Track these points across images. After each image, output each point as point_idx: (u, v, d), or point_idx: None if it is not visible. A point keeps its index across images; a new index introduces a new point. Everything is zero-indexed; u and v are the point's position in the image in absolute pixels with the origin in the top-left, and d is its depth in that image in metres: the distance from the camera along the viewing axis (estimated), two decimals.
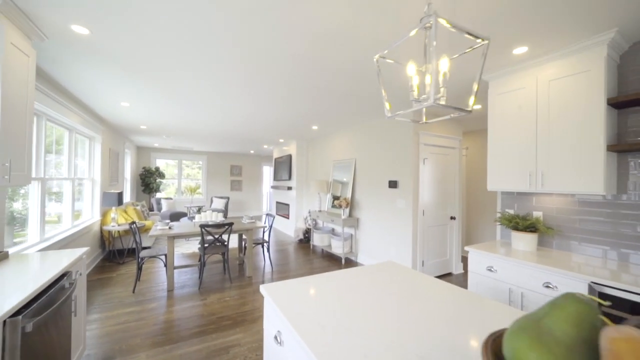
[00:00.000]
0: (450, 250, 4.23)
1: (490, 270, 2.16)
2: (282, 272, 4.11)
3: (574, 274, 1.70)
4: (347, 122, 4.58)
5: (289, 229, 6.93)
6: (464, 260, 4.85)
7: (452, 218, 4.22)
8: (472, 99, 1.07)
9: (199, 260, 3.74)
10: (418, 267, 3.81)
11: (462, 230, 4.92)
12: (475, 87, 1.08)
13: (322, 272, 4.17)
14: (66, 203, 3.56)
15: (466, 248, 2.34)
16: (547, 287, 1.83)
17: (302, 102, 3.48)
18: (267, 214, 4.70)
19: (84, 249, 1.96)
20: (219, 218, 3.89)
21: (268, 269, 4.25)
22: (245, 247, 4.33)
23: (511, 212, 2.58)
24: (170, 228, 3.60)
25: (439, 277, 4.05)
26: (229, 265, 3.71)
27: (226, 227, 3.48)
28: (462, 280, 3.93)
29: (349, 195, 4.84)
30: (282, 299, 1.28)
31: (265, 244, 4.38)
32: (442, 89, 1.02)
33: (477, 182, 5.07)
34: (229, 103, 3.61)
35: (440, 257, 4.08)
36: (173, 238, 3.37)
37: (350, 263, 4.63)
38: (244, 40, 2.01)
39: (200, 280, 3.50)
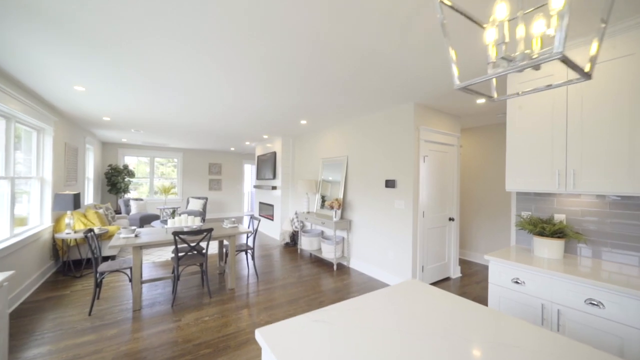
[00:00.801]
0: (449, 254, 4.00)
1: (517, 282, 1.89)
2: (269, 282, 3.68)
3: (629, 290, 1.44)
4: (339, 116, 4.22)
5: (274, 231, 6.48)
6: (462, 263, 4.66)
7: (451, 219, 3.99)
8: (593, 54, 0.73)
9: (173, 272, 3.23)
10: (418, 273, 3.53)
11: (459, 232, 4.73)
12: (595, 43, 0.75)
13: (313, 279, 3.83)
14: (1, 207, 2.91)
15: (486, 257, 2.06)
16: (591, 304, 1.57)
17: (291, 92, 3.07)
18: (251, 217, 4.24)
19: (6, 274, 1.44)
20: (195, 223, 3.39)
21: (252, 278, 3.80)
22: (226, 255, 3.85)
23: (528, 214, 2.34)
24: (136, 236, 3.06)
25: (438, 282, 3.81)
26: (207, 277, 3.23)
27: (204, 234, 3.01)
28: (460, 285, 3.71)
29: (340, 196, 4.49)
30: (287, 353, 0.89)
31: (249, 251, 3.93)
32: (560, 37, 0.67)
33: (471, 182, 4.91)
34: (206, 90, 3.12)
35: (439, 260, 3.84)
36: (140, 248, 2.84)
37: (342, 269, 4.29)
38: (228, 8, 1.58)
39: (174, 295, 2.99)
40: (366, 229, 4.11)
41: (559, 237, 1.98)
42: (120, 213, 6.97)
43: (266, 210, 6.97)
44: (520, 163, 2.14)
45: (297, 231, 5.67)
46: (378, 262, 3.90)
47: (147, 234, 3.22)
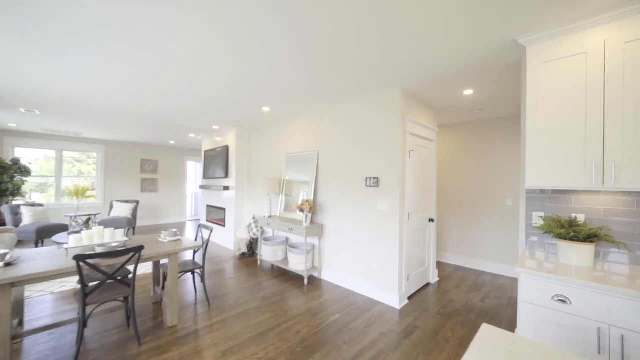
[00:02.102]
0: (428, 258, 3.71)
1: (561, 301, 1.53)
2: (225, 310, 2.85)
3: None
4: (311, 103, 3.60)
5: (226, 239, 5.51)
6: (439, 266, 4.46)
7: (431, 220, 3.71)
8: None
9: (78, 313, 2.19)
10: (404, 284, 3.12)
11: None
12: None
13: (282, 300, 3.09)
14: None
15: (517, 269, 1.67)
16: None
17: (254, 62, 2.35)
18: (199, 226, 3.32)
19: None
20: (116, 238, 2.39)
21: (203, 307, 2.92)
22: (164, 278, 2.89)
23: (540, 215, 2.06)
24: (7, 264, 1.94)
25: (420, 290, 3.47)
26: (134, 314, 2.28)
27: (129, 255, 2.07)
28: (443, 292, 3.42)
29: (310, 197, 3.86)
30: None
31: (198, 271, 3.03)
32: None
33: (445, 180, 4.78)
34: (136, 56, 2.19)
35: (420, 266, 3.51)
36: (10, 286, 1.77)
37: (313, 282, 3.66)
38: None
39: (78, 349, 1.98)
40: (342, 234, 3.57)
41: (590, 242, 1.70)
42: (4, 225, 5.14)
43: (216, 215, 5.94)
44: (545, 156, 1.82)
45: (256, 239, 4.85)
46: (357, 272, 3.38)
47: (33, 259, 2.11)
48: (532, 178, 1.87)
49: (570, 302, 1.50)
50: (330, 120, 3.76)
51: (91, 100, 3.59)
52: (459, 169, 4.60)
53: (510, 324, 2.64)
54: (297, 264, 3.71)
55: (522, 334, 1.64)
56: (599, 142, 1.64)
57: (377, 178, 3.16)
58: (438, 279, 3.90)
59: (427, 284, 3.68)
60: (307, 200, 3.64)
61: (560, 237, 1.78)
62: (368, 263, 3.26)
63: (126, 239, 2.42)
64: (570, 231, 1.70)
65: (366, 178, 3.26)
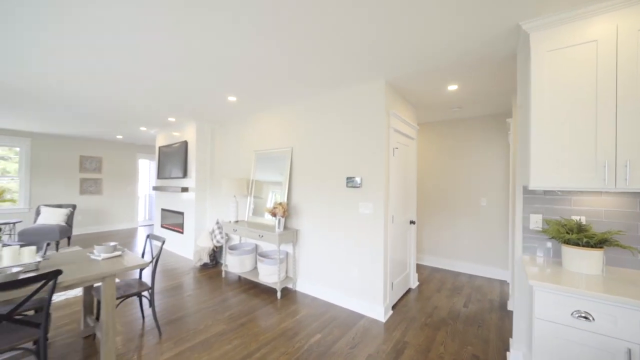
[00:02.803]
0: (409, 262, 3.52)
1: (583, 317, 1.34)
2: (181, 339, 2.34)
3: None
4: (285, 93, 3.19)
5: (186, 248, 4.85)
6: (418, 269, 4.31)
7: (412, 222, 3.52)
8: None
9: None
10: (388, 294, 2.86)
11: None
12: None
13: (252, 321, 2.56)
14: None
15: (531, 283, 1.46)
16: None
17: (214, 41, 1.90)
18: (148, 237, 2.72)
19: None
20: (24, 259, 1.76)
21: (151, 337, 2.37)
22: (98, 306, 2.28)
23: (539, 217, 1.92)
24: None
25: (402, 297, 3.26)
26: None
27: (40, 283, 1.50)
28: (424, 297, 3.25)
29: (283, 199, 3.46)
30: None
31: (147, 292, 2.46)
32: None
33: (421, 180, 4.67)
34: (60, 28, 1.61)
35: (402, 271, 3.30)
36: None
37: (288, 295, 3.26)
38: None
39: None
40: (320, 240, 3.22)
41: (600, 247, 1.56)
42: None
43: (172, 220, 5.22)
44: (551, 153, 1.65)
45: (220, 247, 4.30)
46: (337, 282, 3.06)
47: None
48: (537, 178, 1.69)
49: (593, 319, 1.32)
50: (306, 114, 3.39)
51: (8, 81, 2.79)
52: (434, 169, 4.52)
53: (498, 331, 2.52)
54: (268, 275, 3.27)
55: (538, 356, 1.44)
56: (610, 138, 1.49)
57: (359, 178, 2.86)
58: (418, 283, 3.74)
59: (409, 290, 3.49)
60: (280, 203, 3.22)
61: (568, 242, 1.62)
62: (349, 272, 2.95)
63: (38, 259, 1.80)
64: (581, 236, 1.54)
65: (347, 178, 2.95)
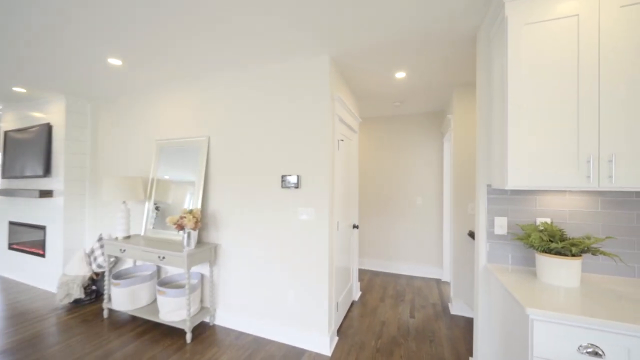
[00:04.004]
0: (352, 272, 3.12)
1: (591, 353, 1.05)
2: None
3: None
4: (199, 61, 2.35)
5: (47, 278, 3.39)
6: (359, 275, 3.95)
7: (355, 227, 3.13)
8: None
9: None
10: (334, 318, 2.36)
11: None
12: None
13: None
14: None
15: (530, 311, 1.13)
16: None
17: None
18: None
19: None
20: None
21: None
22: None
23: (504, 219, 1.69)
24: None
25: (346, 315, 2.82)
26: None
27: None
28: (369, 311, 2.90)
29: (197, 206, 2.60)
30: None
31: None
32: None
33: (359, 179, 4.38)
34: None
35: (346, 285, 2.86)
36: None
37: (203, 332, 2.44)
38: None
39: None
40: (247, 258, 2.50)
41: (579, 256, 1.36)
42: None
43: (28, 236, 3.63)
44: (532, 147, 1.39)
45: (103, 273, 3.11)
46: (270, 310, 2.40)
47: None
48: (513, 177, 1.41)
49: (604, 354, 1.04)
50: (228, 93, 2.61)
51: None
52: (371, 167, 4.30)
53: (451, 345, 2.29)
54: (172, 311, 2.37)
55: None
56: (593, 129, 1.29)
57: (297, 176, 2.27)
58: (360, 292, 3.38)
59: (352, 303, 3.09)
60: (191, 211, 2.37)
61: (547, 251, 1.38)
62: (286, 296, 2.33)
63: None
64: (566, 244, 1.30)
65: (282, 177, 2.33)
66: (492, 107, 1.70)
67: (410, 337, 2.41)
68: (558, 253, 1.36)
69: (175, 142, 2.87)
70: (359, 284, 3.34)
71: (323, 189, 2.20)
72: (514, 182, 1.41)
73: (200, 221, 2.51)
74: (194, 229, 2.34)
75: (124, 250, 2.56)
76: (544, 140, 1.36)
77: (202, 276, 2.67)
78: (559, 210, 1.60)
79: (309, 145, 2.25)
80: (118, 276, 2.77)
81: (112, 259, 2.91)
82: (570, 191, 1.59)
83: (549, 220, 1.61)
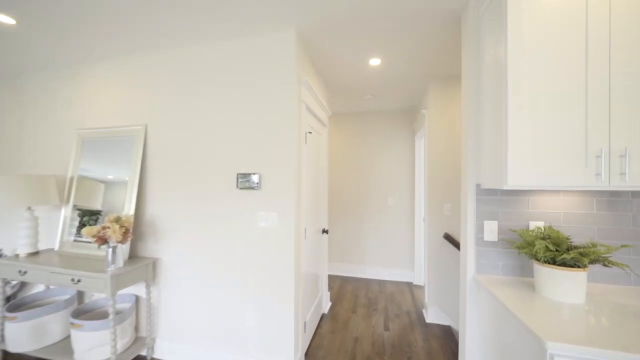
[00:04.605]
0: (322, 282, 2.81)
1: None
2: None
3: None
4: (134, 30, 1.84)
5: None
6: (328, 282, 3.63)
7: (325, 232, 2.82)
8: None
9: None
10: (300, 341, 2.01)
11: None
12: None
13: None
14: None
15: (550, 346, 0.89)
16: None
17: None
18: None
19: None
20: None
21: None
22: None
23: (494, 223, 1.49)
24: None
25: (315, 332, 2.50)
26: None
27: None
28: (341, 324, 2.62)
29: (129, 211, 2.07)
30: None
31: None
32: None
33: (328, 178, 4.08)
34: None
35: (315, 298, 2.53)
36: None
37: None
38: None
39: None
40: (194, 274, 2.04)
41: (584, 267, 1.18)
42: None
43: None
44: (532, 143, 1.18)
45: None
46: (224, 337, 1.97)
47: None
48: (513, 175, 1.19)
49: None
50: (170, 72, 2.12)
51: None
52: (340, 165, 4.04)
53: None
54: (93, 348, 1.83)
55: None
56: (603, 118, 1.11)
57: (257, 175, 1.88)
58: (330, 303, 3.08)
59: (322, 317, 2.77)
60: (118, 219, 1.85)
61: (548, 262, 1.18)
62: (243, 319, 1.93)
63: None
64: (576, 255, 1.10)
65: (239, 175, 1.92)
66: (483, 99, 1.49)
67: (386, 354, 2.16)
68: (563, 264, 1.16)
69: (104, 132, 2.29)
70: (328, 293, 3.04)
71: (288, 190, 1.84)
72: (514, 181, 1.19)
73: (132, 231, 1.99)
74: (122, 241, 1.83)
75: (25, 272, 1.94)
76: (548, 134, 1.16)
77: (137, 299, 2.15)
78: (553, 213, 1.44)
79: (271, 137, 1.88)
80: (19, 305, 2.12)
81: (13, 283, 2.24)
82: (564, 191, 1.43)
83: (542, 224, 1.44)
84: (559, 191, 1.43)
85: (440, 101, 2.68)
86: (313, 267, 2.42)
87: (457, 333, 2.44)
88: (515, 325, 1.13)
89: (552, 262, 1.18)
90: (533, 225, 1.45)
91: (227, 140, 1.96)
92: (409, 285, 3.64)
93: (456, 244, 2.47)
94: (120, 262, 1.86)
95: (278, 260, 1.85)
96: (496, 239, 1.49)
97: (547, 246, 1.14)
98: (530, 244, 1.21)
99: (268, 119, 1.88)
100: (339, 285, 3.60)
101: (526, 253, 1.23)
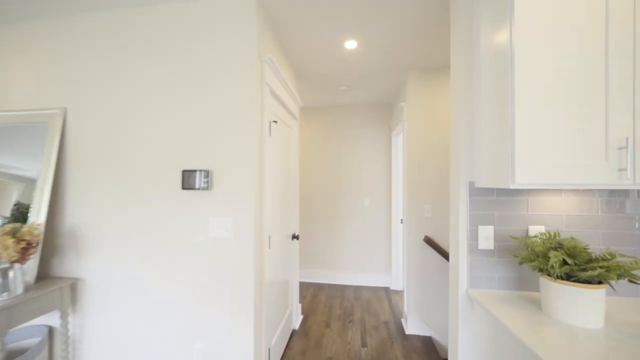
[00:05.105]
0: (291, 294, 2.48)
1: None
2: None
3: None
4: None
5: None
6: (299, 291, 3.29)
7: (295, 237, 2.49)
8: None
9: None
10: None
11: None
12: None
13: None
14: None
15: None
16: None
17: None
18: None
19: None
20: None
21: None
22: None
23: (490, 228, 1.27)
24: None
25: (284, 353, 2.17)
26: None
27: None
28: (314, 341, 2.32)
29: (37, 218, 1.60)
30: None
31: None
32: None
33: (299, 178, 3.77)
34: None
35: (283, 315, 2.20)
36: None
37: None
38: None
39: None
40: (128, 297, 1.62)
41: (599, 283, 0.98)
42: None
43: None
44: (545, 135, 0.96)
45: None
46: None
47: None
48: (522, 171, 0.96)
49: None
50: (95, 41, 1.67)
51: None
52: (313, 163, 3.75)
53: None
54: None
55: None
56: (627, 112, 0.91)
57: (207, 171, 1.52)
58: (302, 317, 2.77)
59: (292, 334, 2.44)
60: (17, 231, 1.39)
61: (564, 277, 0.97)
62: (190, 350, 1.55)
63: None
64: (601, 271, 0.89)
65: (184, 172, 1.54)
66: (478, 88, 1.26)
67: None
68: (581, 280, 0.95)
69: (10, 117, 1.78)
70: (299, 306, 2.72)
71: (246, 190, 1.50)
72: (523, 178, 0.96)
73: (44, 244, 1.53)
74: (20, 260, 1.37)
75: None
76: (561, 123, 0.95)
77: (51, 331, 1.68)
78: (554, 215, 1.24)
79: (225, 126, 1.52)
80: None
81: None
82: (566, 191, 1.24)
83: (543, 229, 1.24)
84: (560, 191, 1.24)
85: (420, 93, 2.47)
86: (281, 278, 2.08)
87: (439, 345, 2.24)
88: (522, 353, 0.90)
89: (567, 277, 0.96)
90: (533, 230, 1.25)
91: (170, 129, 1.57)
92: (386, 290, 3.44)
93: (438, 249, 2.27)
94: (18, 288, 1.39)
95: (234, 277, 1.50)
96: (492, 247, 1.27)
97: (564, 260, 0.92)
98: (541, 256, 0.98)
99: (220, 102, 1.52)
100: (312, 294, 3.30)
101: (535, 267, 1.00)
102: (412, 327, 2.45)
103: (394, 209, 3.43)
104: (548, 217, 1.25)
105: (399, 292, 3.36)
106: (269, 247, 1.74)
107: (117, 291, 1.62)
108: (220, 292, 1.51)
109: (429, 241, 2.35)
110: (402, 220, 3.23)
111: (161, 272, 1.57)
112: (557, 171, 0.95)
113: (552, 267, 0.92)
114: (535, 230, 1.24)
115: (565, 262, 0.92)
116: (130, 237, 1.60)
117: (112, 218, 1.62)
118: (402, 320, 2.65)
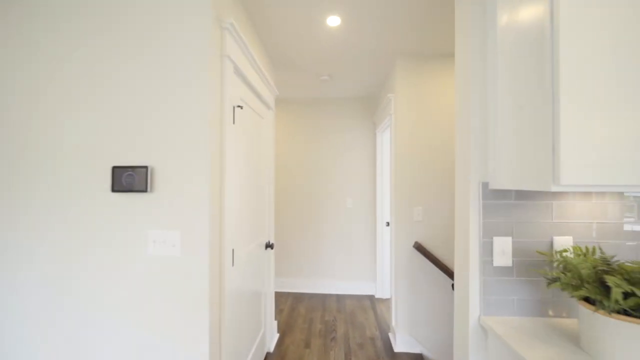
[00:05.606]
0: (265, 311, 2.14)
1: None
2: None
3: None
4: None
5: None
6: (277, 302, 2.94)
7: (269, 246, 2.16)
8: None
9: None
10: None
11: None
12: None
13: None
14: None
15: None
16: None
17: None
18: None
19: None
20: None
21: None
22: None
23: (506, 240, 1.02)
24: None
25: None
26: None
27: None
28: None
29: None
30: None
31: None
32: None
33: (275, 177, 3.44)
34: None
35: (254, 338, 1.86)
36: None
37: None
38: None
39: None
40: (45, 334, 1.21)
41: None
42: None
43: None
44: (595, 126, 0.70)
45: None
46: None
47: None
48: (567, 169, 0.70)
49: None
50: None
51: None
52: (287, 159, 3.43)
53: None
54: None
55: None
56: None
57: (146, 168, 1.15)
58: (278, 335, 2.44)
59: (266, 357, 2.11)
60: None
61: (622, 311, 0.72)
62: None
63: None
64: None
65: (115, 169, 1.16)
66: (494, 74, 1.01)
67: None
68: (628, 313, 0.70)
69: None
70: (275, 323, 2.39)
71: (201, 194, 1.15)
72: (571, 178, 0.70)
73: None
74: None
75: None
76: (613, 112, 0.70)
77: None
78: (582, 224, 1.01)
79: (169, 108, 1.16)
80: None
81: None
82: (597, 194, 1.02)
83: (570, 240, 1.01)
84: (590, 194, 1.02)
85: (410, 83, 2.22)
86: (251, 298, 1.74)
87: None
88: None
89: (623, 311, 0.71)
90: (559, 242, 1.01)
91: (93, 112, 1.18)
92: (371, 299, 3.19)
93: (431, 257, 2.03)
94: None
95: (184, 308, 1.15)
96: (510, 264, 1.02)
97: (631, 291, 0.66)
98: (591, 282, 0.73)
99: (164, 78, 1.16)
100: (290, 307, 2.98)
101: (581, 297, 0.75)
102: (401, 343, 2.20)
103: (378, 211, 3.19)
104: (576, 226, 1.02)
105: (385, 301, 3.12)
106: (233, 265, 1.39)
107: (29, 324, 1.20)
108: (165, 326, 1.15)
109: (419, 248, 2.11)
110: (388, 223, 3.00)
111: (85, 303, 1.18)
112: (612, 169, 0.70)
113: (617, 301, 0.66)
114: (562, 242, 1.01)
115: (631, 293, 0.67)
116: (42, 254, 1.19)
117: (14, 229, 1.21)
118: (390, 335, 2.40)
